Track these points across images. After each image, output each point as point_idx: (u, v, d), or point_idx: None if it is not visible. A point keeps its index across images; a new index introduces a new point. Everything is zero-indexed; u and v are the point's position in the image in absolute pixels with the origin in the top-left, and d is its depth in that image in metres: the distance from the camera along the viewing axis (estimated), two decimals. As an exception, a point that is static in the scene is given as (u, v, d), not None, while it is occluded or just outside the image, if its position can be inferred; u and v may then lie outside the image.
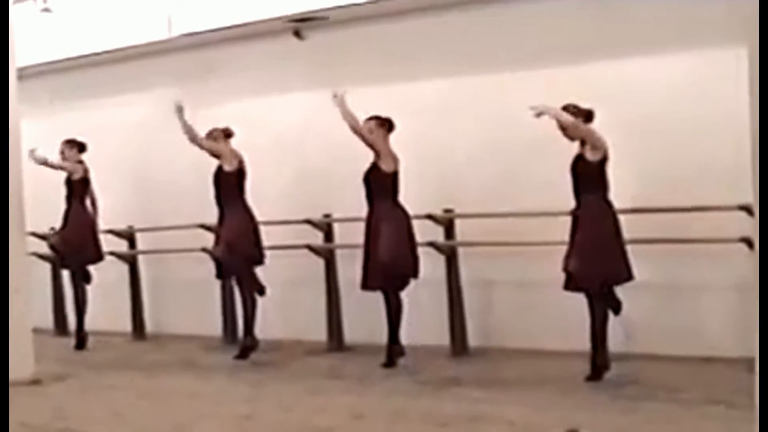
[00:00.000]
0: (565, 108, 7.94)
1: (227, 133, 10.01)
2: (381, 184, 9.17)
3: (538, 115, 7.92)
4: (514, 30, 9.60)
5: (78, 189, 11.13)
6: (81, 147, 11.18)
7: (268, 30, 10.83)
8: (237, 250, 9.85)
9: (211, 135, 9.95)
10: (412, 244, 9.21)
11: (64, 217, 11.23)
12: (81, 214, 11.16)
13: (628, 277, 7.95)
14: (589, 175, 7.95)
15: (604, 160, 7.94)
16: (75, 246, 11.15)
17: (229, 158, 9.91)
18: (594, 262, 7.84)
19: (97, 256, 11.29)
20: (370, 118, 9.16)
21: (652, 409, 7.06)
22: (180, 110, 9.73)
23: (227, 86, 11.46)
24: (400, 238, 9.12)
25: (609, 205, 7.99)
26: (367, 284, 9.24)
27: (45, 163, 10.92)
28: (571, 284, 8.02)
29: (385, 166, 9.15)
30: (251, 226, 9.98)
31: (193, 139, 9.81)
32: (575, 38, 9.28)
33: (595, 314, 8.00)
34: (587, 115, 7.99)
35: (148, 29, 11.39)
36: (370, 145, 9.08)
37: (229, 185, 9.93)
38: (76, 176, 11.11)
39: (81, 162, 11.16)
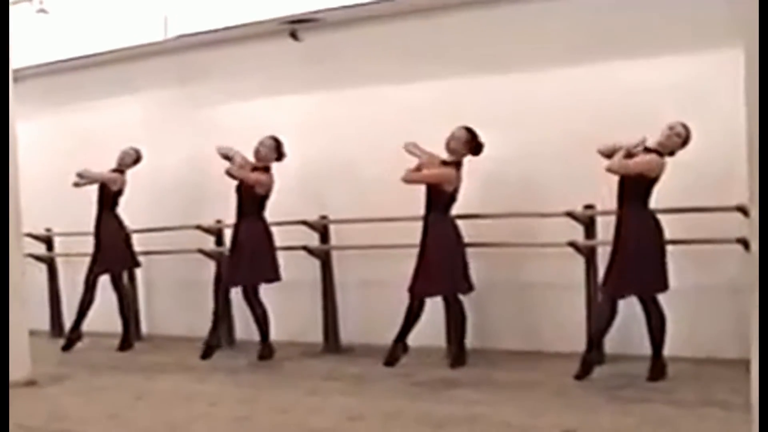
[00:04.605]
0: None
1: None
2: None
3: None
4: (510, 32, 9.60)
5: (109, 199, 11.06)
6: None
7: (264, 31, 10.83)
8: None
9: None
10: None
11: (96, 226, 11.15)
12: (113, 222, 11.11)
13: (660, 288, 8.04)
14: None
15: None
16: (112, 252, 11.09)
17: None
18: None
19: (133, 262, 11.28)
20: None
21: (649, 410, 7.07)
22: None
23: (223, 88, 11.46)
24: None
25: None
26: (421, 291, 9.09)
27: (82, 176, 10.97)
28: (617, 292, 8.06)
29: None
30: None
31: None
32: (569, 41, 9.29)
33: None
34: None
35: (144, 30, 11.37)
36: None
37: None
38: (114, 187, 11.05)
39: (123, 171, 11.10)
